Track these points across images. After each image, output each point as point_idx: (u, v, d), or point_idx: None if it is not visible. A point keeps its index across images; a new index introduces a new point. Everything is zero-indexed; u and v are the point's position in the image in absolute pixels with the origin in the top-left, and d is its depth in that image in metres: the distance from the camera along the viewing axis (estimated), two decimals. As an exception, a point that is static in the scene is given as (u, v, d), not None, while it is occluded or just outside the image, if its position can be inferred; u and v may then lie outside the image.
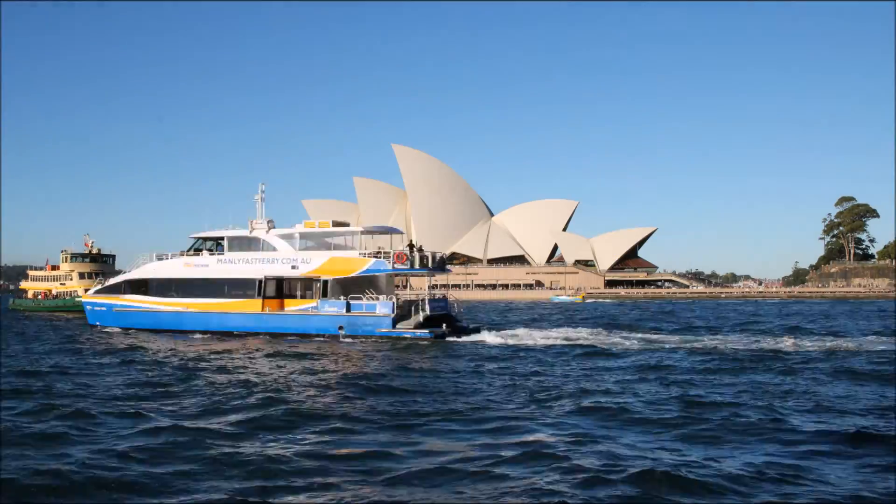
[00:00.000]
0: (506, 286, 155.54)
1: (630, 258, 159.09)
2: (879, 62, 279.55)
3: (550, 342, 29.60)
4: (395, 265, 32.74)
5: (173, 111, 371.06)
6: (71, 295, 65.73)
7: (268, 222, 36.13)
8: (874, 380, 18.71)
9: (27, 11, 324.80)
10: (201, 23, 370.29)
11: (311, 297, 34.07)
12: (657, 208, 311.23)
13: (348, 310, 32.61)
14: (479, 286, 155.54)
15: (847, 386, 17.66)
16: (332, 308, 33.03)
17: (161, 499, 9.10)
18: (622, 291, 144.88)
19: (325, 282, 33.58)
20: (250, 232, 35.95)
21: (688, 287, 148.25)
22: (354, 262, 33.59)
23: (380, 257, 33.15)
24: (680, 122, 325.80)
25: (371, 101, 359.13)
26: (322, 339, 32.12)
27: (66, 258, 71.07)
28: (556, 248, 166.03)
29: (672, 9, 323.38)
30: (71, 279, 69.44)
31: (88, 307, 41.22)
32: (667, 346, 27.96)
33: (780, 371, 20.45)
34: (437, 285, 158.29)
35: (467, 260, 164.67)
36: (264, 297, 34.41)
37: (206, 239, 37.40)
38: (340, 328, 32.58)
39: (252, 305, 34.65)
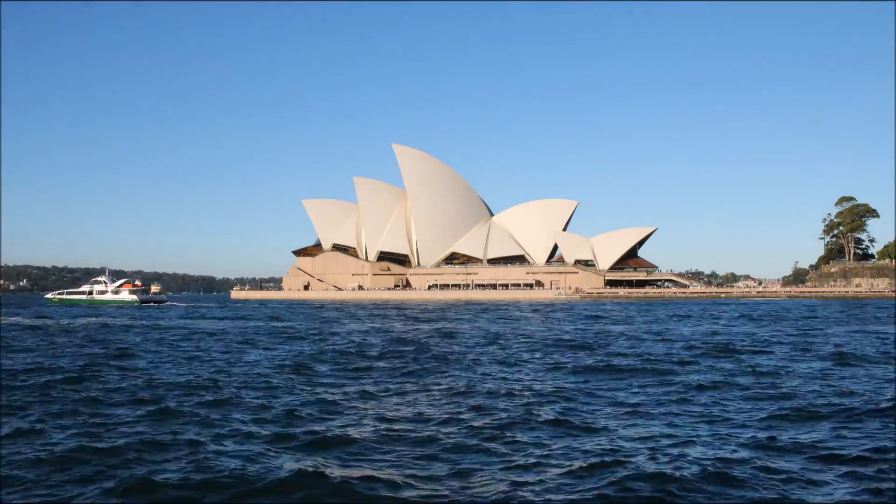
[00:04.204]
0: (506, 286, 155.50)
1: (630, 258, 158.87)
2: (879, 62, 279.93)
3: None
4: None
5: (174, 111, 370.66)
6: None
7: None
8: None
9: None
10: (201, 22, 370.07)
11: None
12: (657, 208, 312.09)
13: None
14: (479, 286, 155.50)
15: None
16: None
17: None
18: (622, 291, 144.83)
19: None
20: None
21: (687, 287, 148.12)
22: None
23: None
24: (680, 122, 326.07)
25: (371, 100, 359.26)
26: None
27: None
28: (556, 247, 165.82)
29: (672, 8, 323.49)
30: None
31: None
32: None
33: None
34: (437, 284, 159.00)
35: (467, 260, 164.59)
36: None
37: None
38: None
39: None
